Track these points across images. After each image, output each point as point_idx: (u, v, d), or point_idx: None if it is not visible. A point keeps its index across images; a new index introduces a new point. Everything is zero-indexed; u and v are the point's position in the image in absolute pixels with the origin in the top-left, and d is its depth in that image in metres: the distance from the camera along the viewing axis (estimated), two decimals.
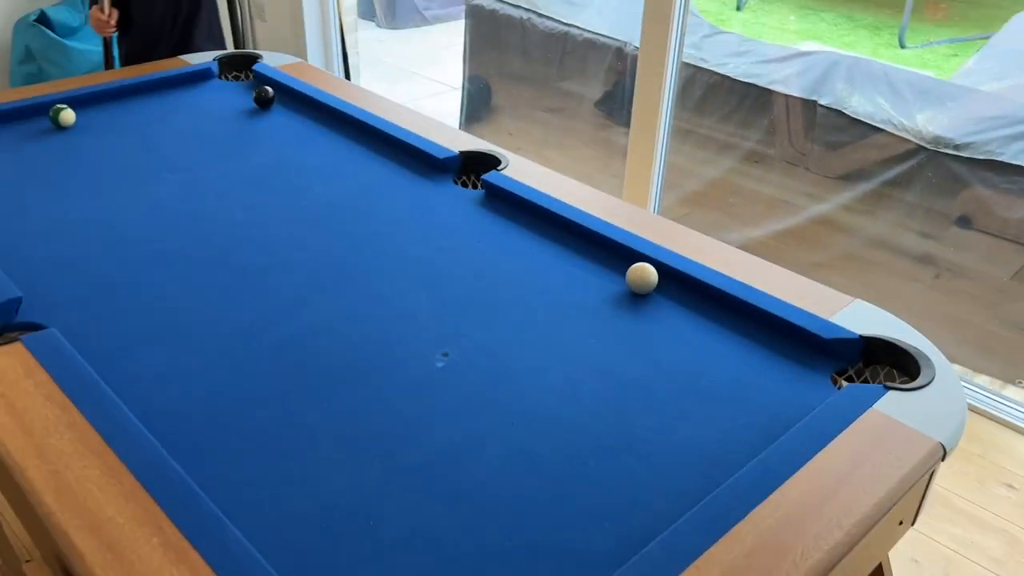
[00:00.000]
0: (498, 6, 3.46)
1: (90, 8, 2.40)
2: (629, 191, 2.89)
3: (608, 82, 3.27)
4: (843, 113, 2.57)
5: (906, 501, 1.03)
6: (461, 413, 1.09)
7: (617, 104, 3.28)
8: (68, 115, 1.83)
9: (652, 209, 2.88)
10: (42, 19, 3.74)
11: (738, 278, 1.33)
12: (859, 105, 2.53)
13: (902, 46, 5.59)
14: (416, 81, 4.85)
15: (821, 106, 2.61)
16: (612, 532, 0.92)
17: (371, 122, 1.84)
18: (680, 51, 2.65)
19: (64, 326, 1.21)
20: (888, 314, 1.26)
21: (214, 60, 2.18)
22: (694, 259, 1.38)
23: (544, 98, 3.61)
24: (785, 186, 2.81)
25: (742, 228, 2.94)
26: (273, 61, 2.21)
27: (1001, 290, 2.55)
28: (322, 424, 1.07)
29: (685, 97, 2.95)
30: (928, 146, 2.39)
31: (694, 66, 2.89)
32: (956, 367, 2.55)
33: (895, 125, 2.47)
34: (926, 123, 2.43)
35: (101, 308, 1.26)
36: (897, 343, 1.18)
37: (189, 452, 1.01)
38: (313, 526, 0.92)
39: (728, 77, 2.80)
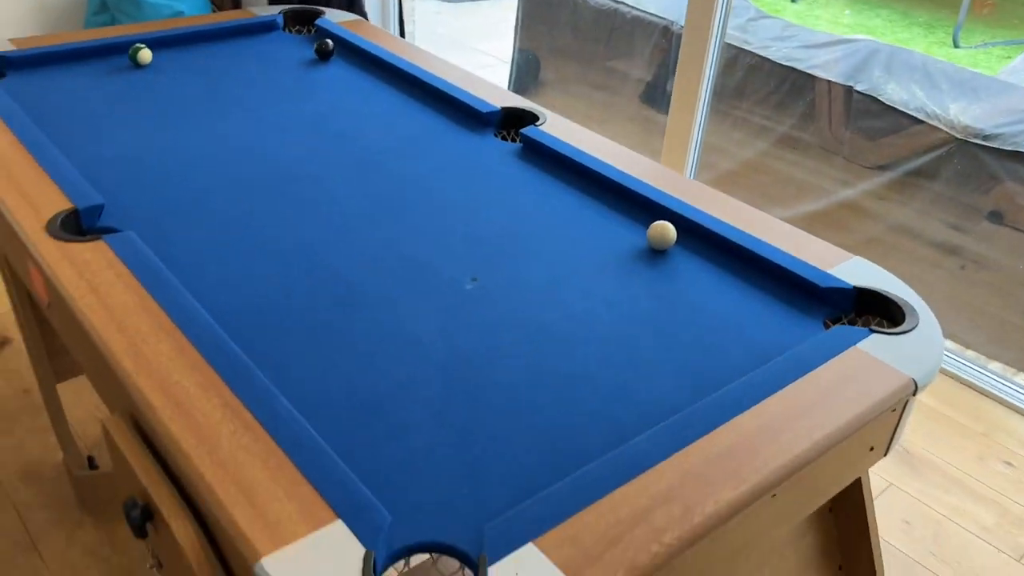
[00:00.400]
0: None
1: None
2: (666, 166, 2.99)
3: (651, 71, 3.37)
4: (878, 100, 2.64)
5: (876, 428, 1.14)
6: (483, 328, 1.23)
7: (659, 94, 3.37)
8: (145, 54, 1.99)
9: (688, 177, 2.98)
10: None
11: (751, 232, 1.44)
12: (894, 92, 2.61)
13: (956, 46, 5.57)
14: (469, 53, 4.98)
15: (857, 92, 2.68)
16: (605, 428, 1.05)
17: (422, 76, 1.98)
18: (723, 31, 2.74)
19: (140, 233, 1.36)
20: (883, 270, 1.36)
21: (279, 13, 2.33)
22: (711, 214, 1.49)
23: (591, 74, 3.72)
24: (818, 171, 2.89)
25: (771, 208, 3.03)
26: (335, 17, 2.35)
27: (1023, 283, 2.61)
28: (361, 329, 1.21)
29: (726, 77, 3.04)
30: (958, 135, 2.46)
31: (736, 47, 2.98)
32: (970, 353, 2.63)
33: (927, 113, 2.54)
34: (958, 113, 2.49)
35: (170, 220, 1.42)
36: (886, 294, 1.29)
37: (246, 341, 1.16)
38: (348, 404, 1.07)
39: (768, 60, 2.88)
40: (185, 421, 0.98)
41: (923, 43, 5.64)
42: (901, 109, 2.57)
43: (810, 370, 1.13)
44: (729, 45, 2.97)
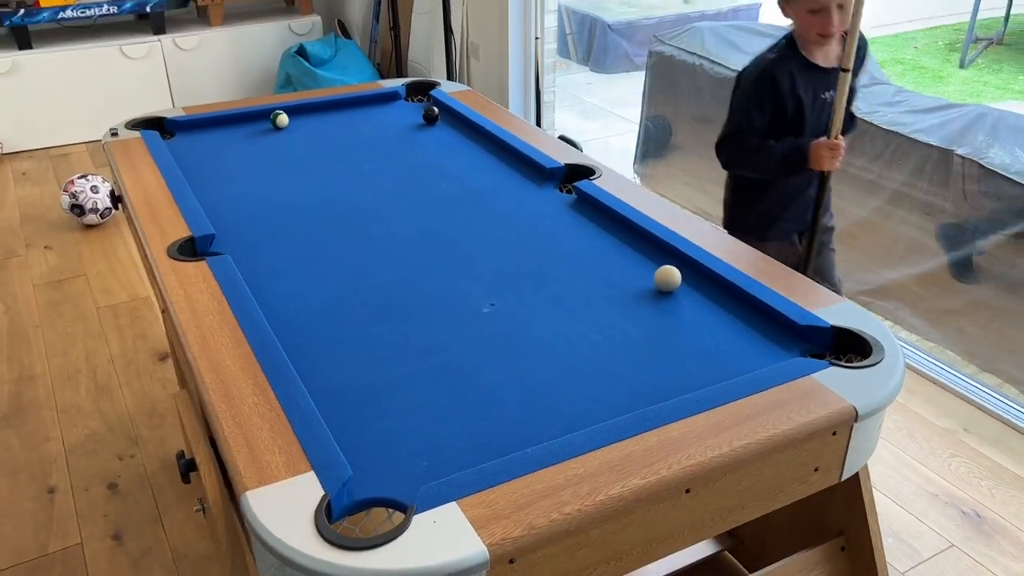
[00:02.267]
0: (676, 52, 3.78)
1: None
2: None
3: None
4: (980, 164, 2.62)
5: (818, 449, 1.24)
6: (488, 342, 1.44)
7: None
8: (283, 119, 2.40)
9: None
10: (301, 51, 4.56)
11: (751, 274, 1.57)
12: (995, 156, 2.58)
13: None
14: (610, 119, 5.24)
15: (958, 156, 2.68)
16: (555, 424, 1.23)
17: (502, 136, 2.25)
18: None
19: (236, 256, 1.70)
20: (869, 314, 1.45)
21: (402, 85, 2.69)
22: (718, 257, 1.63)
23: None
24: (924, 228, 2.87)
25: (879, 269, 3.02)
26: (448, 88, 2.69)
27: None
28: (386, 338, 1.46)
29: None
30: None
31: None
32: None
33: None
34: None
35: (262, 248, 1.75)
36: (859, 332, 1.38)
37: (290, 339, 1.44)
38: (354, 393, 1.32)
39: (873, 124, 2.92)
40: (224, 392, 1.27)
41: None
42: (1002, 173, 2.53)
43: (757, 390, 1.26)
44: None
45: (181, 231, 1.76)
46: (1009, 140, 2.58)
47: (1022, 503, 2.17)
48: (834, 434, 1.25)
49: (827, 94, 2.14)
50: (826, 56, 2.14)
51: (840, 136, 2.08)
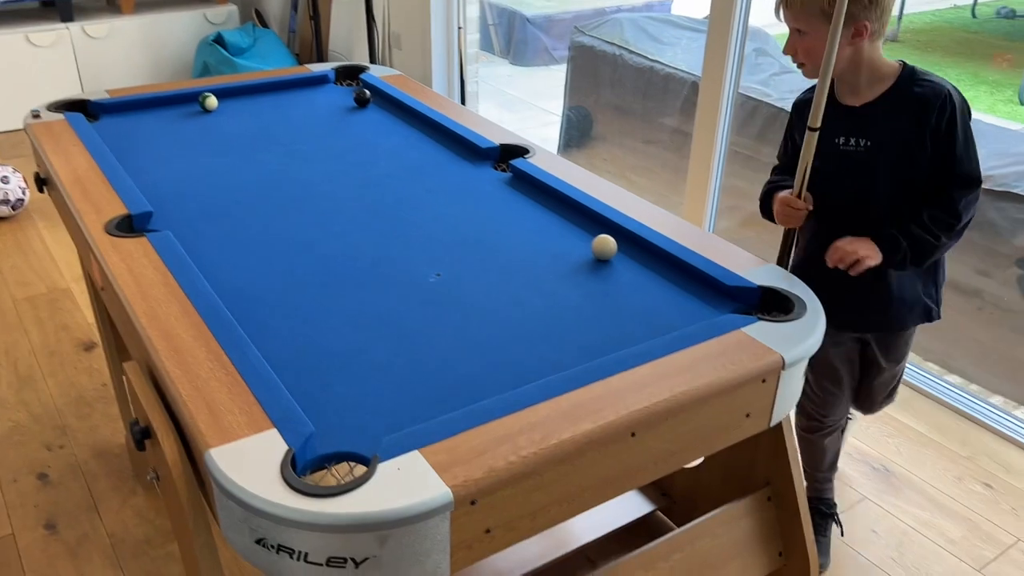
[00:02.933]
0: (596, 42, 3.88)
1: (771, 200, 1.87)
2: (688, 208, 3.21)
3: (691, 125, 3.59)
4: None
5: (749, 396, 1.33)
6: (431, 308, 1.49)
7: None
8: (212, 101, 2.38)
9: (708, 223, 3.18)
10: (219, 40, 4.49)
11: (682, 242, 1.66)
12: None
13: (1022, 102, 5.57)
14: (531, 111, 5.33)
15: None
16: (506, 379, 1.29)
17: (436, 118, 2.29)
18: (736, 83, 2.96)
19: (177, 233, 1.70)
20: (792, 276, 1.55)
21: (331, 69, 2.70)
22: (651, 227, 1.72)
23: (643, 129, 3.97)
24: None
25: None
26: (379, 72, 2.71)
27: None
28: (338, 307, 1.49)
29: (749, 126, 3.25)
30: None
31: (757, 100, 3.19)
32: (973, 387, 2.70)
33: None
34: None
35: (202, 224, 1.75)
36: (784, 291, 1.48)
37: (240, 308, 1.46)
38: (311, 357, 1.35)
39: (784, 110, 3.08)
40: (178, 360, 1.28)
41: (988, 101, 5.66)
42: None
43: (693, 344, 1.34)
44: (750, 98, 3.19)
45: (117, 209, 1.74)
46: None
47: (925, 458, 2.34)
48: (763, 381, 1.34)
49: (843, 140, 1.72)
50: (855, 92, 1.71)
51: (807, 195, 1.74)
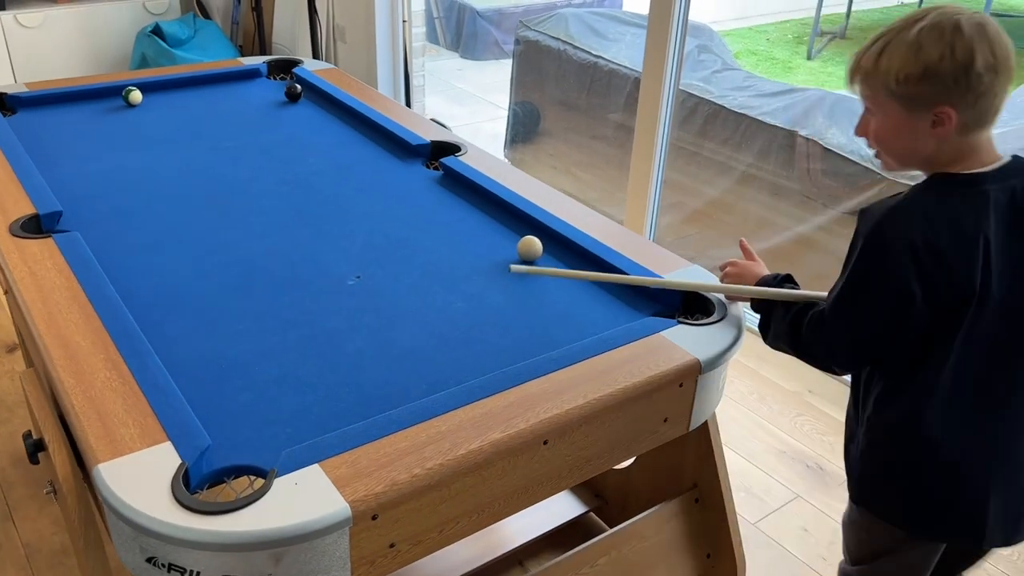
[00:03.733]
0: (541, 37, 3.85)
1: None
2: (631, 204, 3.20)
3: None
4: (819, 144, 2.81)
5: (666, 401, 1.32)
6: (349, 312, 1.45)
7: None
8: (136, 95, 2.30)
9: (650, 220, 3.18)
10: (156, 31, 4.37)
11: (608, 244, 1.64)
12: (833, 137, 2.77)
13: None
14: (480, 105, 5.29)
15: (801, 137, 2.86)
16: (419, 387, 1.26)
17: (368, 114, 2.24)
18: (677, 79, 2.95)
19: (86, 233, 1.63)
20: (714, 277, 1.54)
21: (263, 63, 2.63)
22: (579, 228, 1.70)
23: (590, 126, 3.94)
24: (771, 206, 3.05)
25: (732, 246, 3.19)
26: (312, 66, 2.65)
27: None
28: (249, 311, 1.44)
29: (690, 123, 3.24)
30: (889, 177, 2.61)
31: (698, 96, 3.19)
32: None
33: (862, 156, 2.69)
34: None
35: (115, 224, 1.69)
36: (703, 294, 1.47)
37: (146, 314, 1.40)
38: (216, 366, 1.30)
39: (724, 108, 3.08)
40: (73, 368, 1.22)
41: None
42: (839, 152, 2.73)
43: (609, 349, 1.32)
44: (691, 95, 3.19)
45: (24, 208, 1.67)
46: (845, 121, 2.79)
47: None
48: (681, 386, 1.32)
49: None
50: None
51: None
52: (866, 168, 2.68)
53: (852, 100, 3.10)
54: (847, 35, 6.82)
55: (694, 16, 2.86)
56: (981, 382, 1.19)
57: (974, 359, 1.17)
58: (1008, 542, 1.27)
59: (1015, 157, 1.20)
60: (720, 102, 3.09)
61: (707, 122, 3.13)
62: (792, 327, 1.26)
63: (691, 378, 1.32)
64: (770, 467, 2.30)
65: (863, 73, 1.16)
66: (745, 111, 3.01)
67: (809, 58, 6.50)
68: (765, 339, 1.32)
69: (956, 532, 1.26)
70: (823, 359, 1.25)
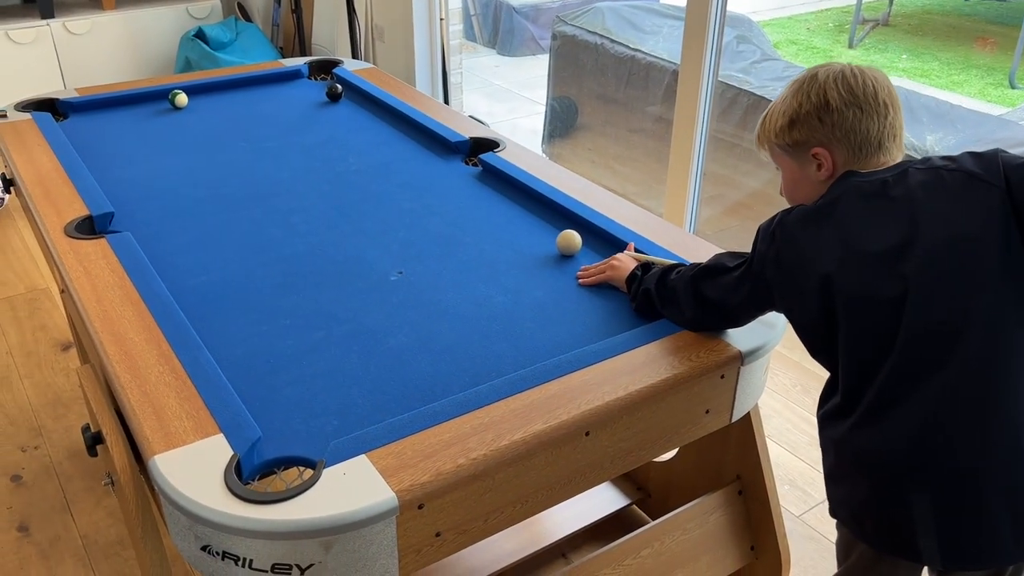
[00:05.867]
0: (578, 32, 3.85)
1: None
2: (670, 197, 3.19)
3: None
4: None
5: (707, 392, 1.32)
6: (392, 307, 1.47)
7: None
8: (182, 98, 2.36)
9: (689, 213, 3.16)
10: (200, 35, 4.45)
11: (646, 236, 1.64)
12: None
13: (1012, 86, 5.54)
14: (517, 101, 5.30)
15: None
16: (461, 380, 1.28)
17: (408, 112, 2.27)
18: (716, 71, 2.93)
19: (137, 233, 1.68)
20: None
21: (304, 64, 2.68)
22: (616, 221, 1.70)
23: (628, 119, 3.93)
24: None
25: None
26: (351, 66, 2.69)
27: None
28: (295, 308, 1.48)
29: (729, 114, 3.22)
30: None
31: (737, 87, 3.16)
32: None
33: (907, 145, 2.65)
34: (934, 143, 2.60)
35: (165, 224, 1.74)
36: None
37: (196, 311, 1.44)
38: (264, 360, 1.33)
39: (765, 99, 3.05)
40: (128, 364, 1.26)
41: (978, 84, 5.62)
42: None
43: (651, 341, 1.33)
44: (730, 86, 3.16)
45: (78, 210, 1.72)
46: None
47: None
48: (722, 377, 1.33)
49: None
50: None
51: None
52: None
53: (897, 89, 3.05)
54: (890, 22, 6.70)
55: (732, 6, 2.84)
56: None
57: None
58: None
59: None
60: (760, 93, 3.07)
61: (747, 113, 3.11)
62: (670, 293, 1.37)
63: (733, 369, 1.32)
64: (814, 460, 2.28)
65: (758, 138, 1.28)
66: None
67: (851, 47, 6.40)
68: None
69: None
70: None
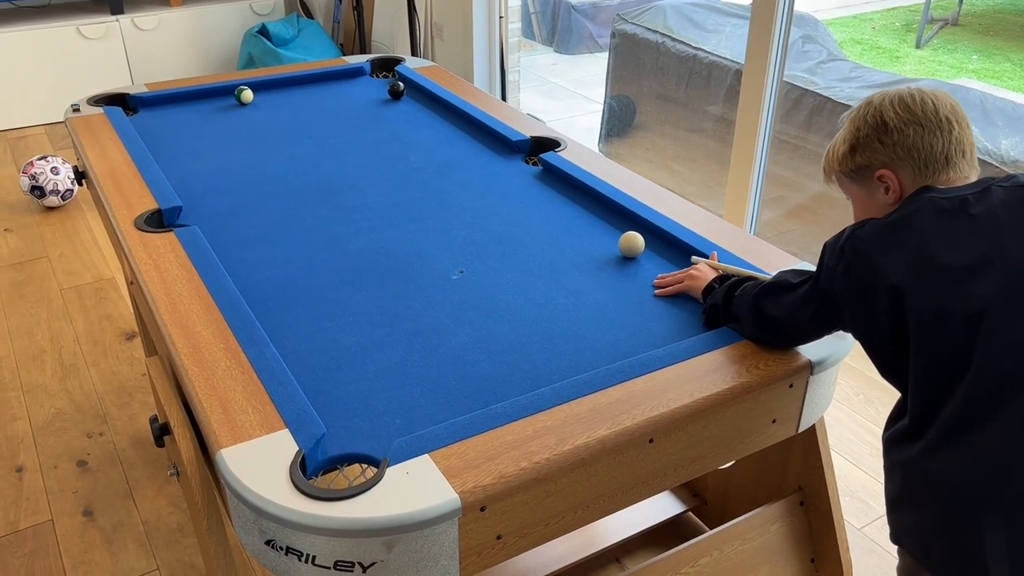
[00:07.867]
0: (639, 30, 3.81)
1: None
2: (730, 198, 3.14)
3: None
4: None
5: (774, 401, 1.29)
6: (455, 307, 1.47)
7: None
8: (247, 94, 2.39)
9: (750, 215, 3.11)
10: (263, 31, 4.52)
11: (712, 239, 1.61)
12: None
13: None
14: (574, 99, 5.27)
15: None
16: (523, 381, 1.27)
17: (469, 111, 2.27)
18: (781, 71, 2.88)
19: (204, 227, 1.71)
20: None
21: (367, 61, 2.69)
22: (680, 223, 1.68)
23: (688, 119, 3.89)
24: None
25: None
26: (413, 64, 2.70)
27: None
28: (358, 305, 1.48)
29: (793, 116, 3.16)
30: (1007, 169, 2.48)
31: (802, 88, 3.10)
32: None
33: (979, 149, 2.57)
34: (1009, 148, 2.51)
35: (232, 218, 1.76)
36: None
37: (262, 305, 1.46)
38: (328, 356, 1.34)
39: (831, 99, 2.99)
40: (196, 356, 1.28)
41: None
42: None
43: (717, 347, 1.30)
44: (795, 86, 3.10)
45: (148, 203, 1.76)
46: None
47: None
48: (791, 386, 1.30)
49: None
50: None
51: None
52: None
53: (966, 90, 2.96)
54: (959, 21, 6.51)
55: (799, 5, 2.78)
56: None
57: None
58: None
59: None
60: (826, 94, 3.00)
61: (812, 114, 3.04)
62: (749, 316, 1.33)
63: (802, 378, 1.29)
64: (876, 471, 2.22)
65: (825, 171, 1.29)
66: (854, 103, 2.91)
67: (918, 46, 6.23)
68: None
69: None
70: None
